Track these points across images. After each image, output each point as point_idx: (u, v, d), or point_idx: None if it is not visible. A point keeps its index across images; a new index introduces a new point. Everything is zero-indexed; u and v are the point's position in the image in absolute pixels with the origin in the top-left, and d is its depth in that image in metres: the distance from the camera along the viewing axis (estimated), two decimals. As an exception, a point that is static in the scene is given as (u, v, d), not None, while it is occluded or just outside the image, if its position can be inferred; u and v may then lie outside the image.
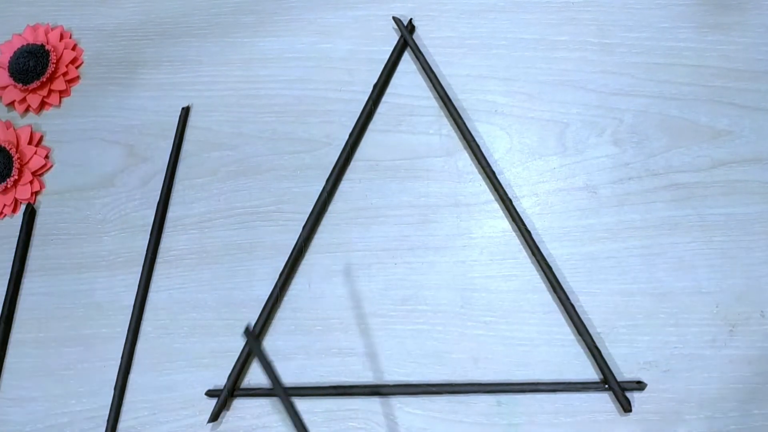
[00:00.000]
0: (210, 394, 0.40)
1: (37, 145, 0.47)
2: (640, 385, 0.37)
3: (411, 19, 0.46)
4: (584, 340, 0.38)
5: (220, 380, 0.40)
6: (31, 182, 0.46)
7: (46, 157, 0.47)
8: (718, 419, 0.37)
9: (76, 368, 0.41)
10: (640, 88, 0.43)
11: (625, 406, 0.36)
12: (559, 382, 0.38)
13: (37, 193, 0.46)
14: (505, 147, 0.43)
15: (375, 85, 0.45)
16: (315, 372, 0.40)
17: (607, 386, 0.37)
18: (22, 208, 0.46)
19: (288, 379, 0.39)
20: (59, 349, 0.42)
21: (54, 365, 0.42)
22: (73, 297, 0.43)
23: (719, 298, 0.39)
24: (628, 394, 0.37)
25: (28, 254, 0.45)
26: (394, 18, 0.46)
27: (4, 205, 0.46)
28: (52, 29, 0.50)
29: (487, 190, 0.42)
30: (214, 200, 0.44)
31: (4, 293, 0.43)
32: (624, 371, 0.38)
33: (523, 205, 0.42)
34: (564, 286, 0.39)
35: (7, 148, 0.46)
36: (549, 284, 0.39)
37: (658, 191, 0.41)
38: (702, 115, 0.42)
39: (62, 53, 0.49)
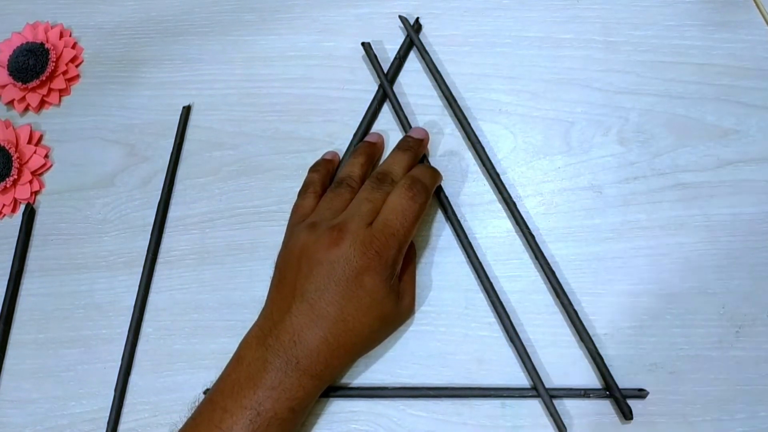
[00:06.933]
0: (211, 395, 0.39)
1: (36, 145, 0.47)
2: (641, 393, 0.37)
3: (417, 18, 0.46)
4: (587, 347, 0.38)
5: (222, 382, 0.39)
6: (30, 182, 0.46)
7: (46, 156, 0.47)
8: (725, 421, 0.36)
9: (76, 370, 0.41)
10: (645, 86, 0.43)
11: (627, 414, 0.36)
12: (561, 387, 0.37)
13: (36, 192, 0.46)
14: (509, 146, 0.43)
15: (380, 85, 0.44)
16: (317, 373, 0.40)
17: (608, 393, 0.37)
18: (22, 207, 0.45)
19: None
20: (59, 351, 0.42)
21: (54, 366, 0.41)
22: (73, 298, 0.43)
23: (726, 299, 0.38)
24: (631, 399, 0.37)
25: (28, 254, 0.44)
26: (400, 17, 0.46)
27: (4, 204, 0.45)
28: (51, 27, 0.50)
29: (491, 189, 0.42)
30: (215, 200, 0.44)
31: (4, 294, 0.43)
32: (629, 373, 0.37)
33: (527, 205, 0.41)
34: (569, 287, 0.39)
35: (7, 148, 0.46)
36: (552, 287, 0.39)
37: (664, 191, 0.41)
38: (708, 113, 0.42)
39: (62, 52, 0.48)
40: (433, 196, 0.40)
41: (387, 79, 0.44)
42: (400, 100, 0.44)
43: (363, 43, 0.45)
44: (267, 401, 0.33)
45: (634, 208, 0.41)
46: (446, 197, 0.41)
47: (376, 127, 0.44)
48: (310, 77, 0.46)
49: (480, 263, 0.39)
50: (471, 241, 0.40)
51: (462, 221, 0.41)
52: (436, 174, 0.39)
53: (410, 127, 0.43)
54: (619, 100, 0.43)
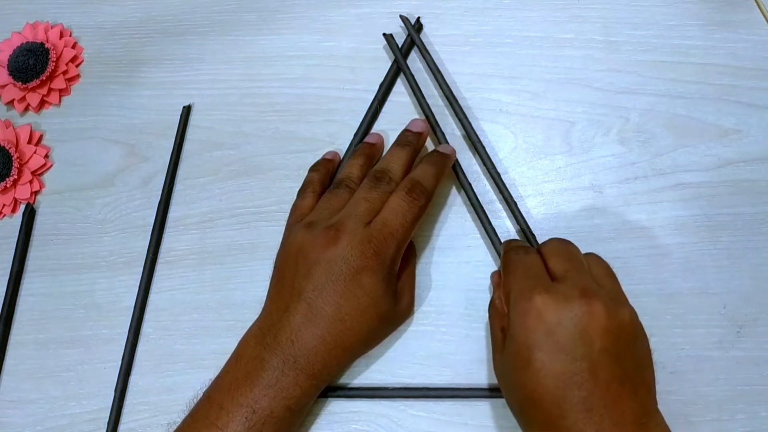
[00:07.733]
0: (211, 396, 0.39)
1: (36, 144, 0.47)
2: None
3: (418, 17, 0.46)
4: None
5: (222, 382, 0.39)
6: (30, 182, 0.46)
7: (46, 156, 0.46)
8: (726, 421, 0.36)
9: (76, 370, 0.41)
10: (646, 86, 0.43)
11: None
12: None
13: (36, 192, 0.46)
14: (510, 146, 0.43)
15: (381, 85, 0.44)
16: (318, 374, 0.39)
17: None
18: (22, 207, 0.45)
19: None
20: (59, 351, 0.42)
21: (54, 367, 0.41)
22: (73, 298, 0.43)
23: (726, 299, 0.38)
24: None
25: (28, 254, 0.44)
26: (401, 17, 0.45)
27: (4, 204, 0.45)
28: (51, 27, 0.50)
29: (492, 189, 0.42)
30: (215, 200, 0.44)
31: (4, 294, 0.43)
32: (630, 373, 0.37)
33: (528, 205, 0.41)
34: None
35: (7, 147, 0.46)
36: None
37: (664, 191, 0.41)
38: (709, 113, 0.42)
39: (62, 51, 0.48)
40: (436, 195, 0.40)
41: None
42: (400, 99, 0.44)
43: (384, 34, 0.45)
44: (263, 399, 0.33)
45: (634, 208, 0.41)
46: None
47: (376, 127, 0.44)
48: (310, 77, 0.46)
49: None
50: (472, 241, 0.40)
51: (462, 221, 0.41)
52: (439, 171, 0.38)
53: (424, 117, 0.42)
54: (619, 100, 0.43)
